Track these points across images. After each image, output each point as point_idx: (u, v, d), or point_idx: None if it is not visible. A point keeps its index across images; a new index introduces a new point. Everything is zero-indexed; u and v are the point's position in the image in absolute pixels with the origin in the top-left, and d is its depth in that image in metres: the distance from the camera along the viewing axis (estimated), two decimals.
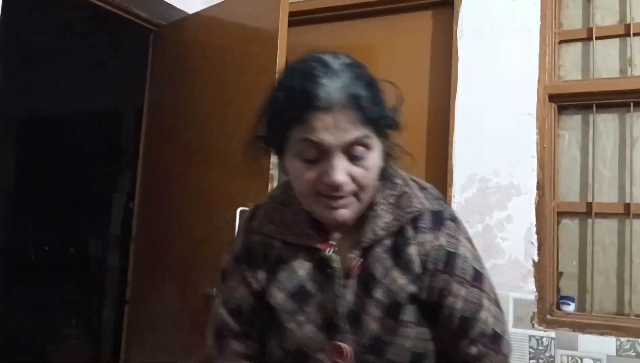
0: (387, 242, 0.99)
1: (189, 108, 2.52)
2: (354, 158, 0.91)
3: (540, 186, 2.18)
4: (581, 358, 2.05)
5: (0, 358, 3.96)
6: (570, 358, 2.06)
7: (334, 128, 0.89)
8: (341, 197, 0.93)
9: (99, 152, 4.34)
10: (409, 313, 0.97)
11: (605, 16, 2.27)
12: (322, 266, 1.00)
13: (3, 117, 4.45)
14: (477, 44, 2.32)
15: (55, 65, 4.36)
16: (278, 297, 1.01)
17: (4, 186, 4.73)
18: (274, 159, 2.04)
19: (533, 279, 2.14)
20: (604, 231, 2.19)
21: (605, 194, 2.20)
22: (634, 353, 1.99)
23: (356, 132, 0.90)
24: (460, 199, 2.27)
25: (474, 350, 0.97)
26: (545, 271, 2.15)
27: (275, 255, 1.03)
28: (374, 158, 0.94)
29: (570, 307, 2.15)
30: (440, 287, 0.97)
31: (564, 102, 2.27)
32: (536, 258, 2.14)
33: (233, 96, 2.30)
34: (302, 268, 1.01)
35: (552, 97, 2.24)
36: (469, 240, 1.03)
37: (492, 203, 2.22)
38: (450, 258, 0.98)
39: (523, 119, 2.22)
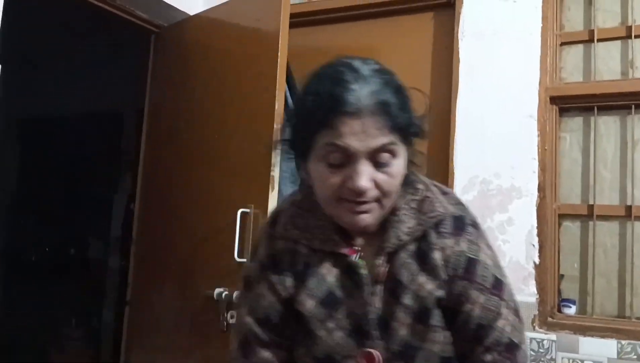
0: (411, 247, 0.99)
1: (190, 109, 2.52)
2: (379, 165, 0.91)
3: (541, 188, 2.17)
4: (582, 361, 2.04)
5: (1, 358, 3.96)
6: (571, 360, 2.06)
7: (361, 134, 0.88)
8: (364, 202, 0.92)
9: (100, 153, 4.35)
10: (437, 318, 0.97)
11: (607, 18, 2.27)
12: (349, 272, 1.00)
13: (4, 118, 4.46)
14: (479, 45, 2.32)
15: (57, 66, 4.37)
16: (308, 304, 1.00)
17: (5, 186, 4.73)
18: (274, 160, 2.05)
19: (534, 281, 2.14)
20: (605, 233, 2.18)
21: (607, 196, 2.20)
22: (635, 356, 1.98)
23: (383, 139, 0.89)
24: None
25: (488, 357, 0.97)
26: (546, 273, 2.14)
27: (302, 261, 1.02)
28: (398, 165, 0.93)
29: (571, 310, 2.15)
30: (459, 293, 0.97)
31: (565, 105, 2.27)
32: (537, 261, 2.14)
33: (234, 98, 2.30)
34: (330, 274, 1.01)
35: (554, 100, 2.24)
36: (490, 246, 1.03)
37: (493, 205, 2.21)
38: (470, 264, 0.98)
39: (524, 121, 2.22)
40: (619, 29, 2.24)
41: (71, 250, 4.49)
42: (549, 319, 2.12)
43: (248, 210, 2.10)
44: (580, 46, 2.30)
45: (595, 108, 2.21)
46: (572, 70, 2.31)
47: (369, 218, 0.95)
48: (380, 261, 0.98)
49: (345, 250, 1.00)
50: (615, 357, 2.01)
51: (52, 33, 4.14)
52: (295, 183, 2.35)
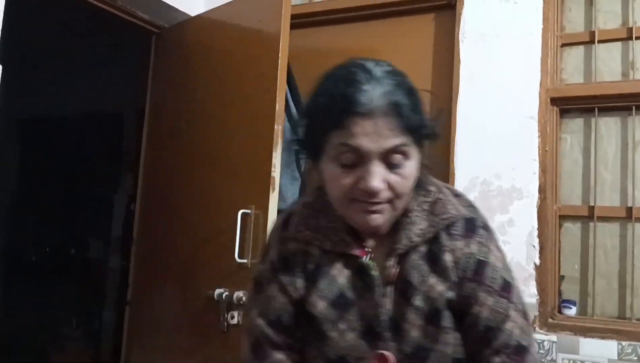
0: (422, 249, 0.99)
1: (191, 110, 2.52)
2: (391, 166, 0.91)
3: (542, 190, 2.17)
4: (583, 362, 2.04)
5: (1, 358, 3.96)
6: (571, 362, 2.06)
7: (373, 134, 0.88)
8: (376, 203, 0.93)
9: (101, 153, 4.35)
10: (448, 319, 0.97)
11: (608, 20, 2.27)
12: (360, 273, 1.00)
13: (5, 118, 4.46)
14: (479, 47, 2.32)
15: (58, 66, 4.37)
16: (319, 305, 1.00)
17: (6, 186, 4.74)
18: (275, 161, 2.06)
19: (534, 282, 2.14)
20: (606, 234, 2.18)
21: (607, 197, 2.20)
22: (636, 357, 1.98)
23: (395, 140, 0.90)
24: None
25: (497, 360, 0.97)
26: (546, 274, 2.14)
27: (314, 263, 1.02)
28: (411, 166, 0.94)
29: (572, 311, 2.15)
30: (468, 294, 0.97)
31: (566, 106, 2.27)
32: (538, 262, 2.14)
33: (235, 98, 2.30)
34: (341, 276, 1.01)
35: (554, 101, 2.24)
36: (500, 249, 1.03)
37: (493, 206, 2.21)
38: (480, 266, 0.98)
39: (525, 123, 2.22)
40: (620, 30, 2.24)
41: (71, 250, 4.50)
42: (550, 320, 2.12)
43: (249, 211, 2.10)
44: (581, 47, 2.30)
45: (596, 109, 2.22)
46: (572, 71, 2.31)
47: (380, 218, 0.95)
48: (392, 262, 0.98)
49: (356, 251, 1.00)
50: (616, 358, 2.00)
51: (53, 33, 4.15)
52: (295, 182, 2.36)
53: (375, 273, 0.98)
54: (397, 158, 0.91)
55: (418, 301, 0.96)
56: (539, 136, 2.20)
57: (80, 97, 4.29)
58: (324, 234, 1.03)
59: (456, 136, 2.29)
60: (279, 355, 1.04)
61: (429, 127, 0.97)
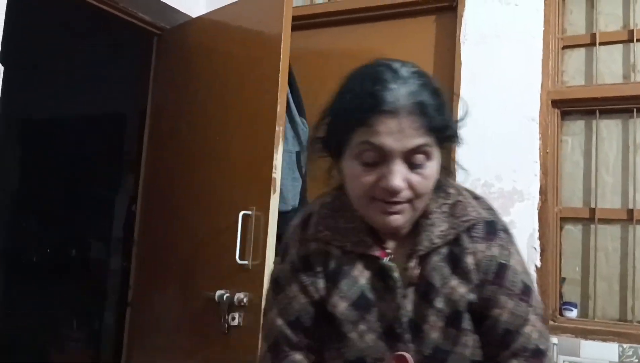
0: (444, 251, 0.99)
1: (192, 111, 2.52)
2: (413, 166, 0.91)
3: (543, 192, 2.17)
4: None
5: (2, 358, 3.96)
6: None
7: (397, 133, 0.88)
8: (396, 203, 0.92)
9: (102, 154, 4.35)
10: (468, 322, 0.97)
11: (609, 22, 2.27)
12: (381, 274, 1.00)
13: (6, 118, 4.47)
14: (480, 49, 2.32)
15: (59, 67, 4.37)
16: (341, 306, 0.99)
17: (6, 187, 4.74)
18: (276, 162, 2.06)
19: (535, 285, 2.12)
20: (607, 237, 2.18)
21: (608, 200, 2.20)
22: (637, 360, 1.98)
23: (419, 139, 0.90)
24: None
25: (514, 362, 0.97)
26: (547, 276, 2.14)
27: (334, 263, 1.02)
28: (432, 167, 0.93)
29: (573, 313, 2.15)
30: (488, 297, 0.97)
31: (567, 108, 2.27)
32: (539, 264, 2.14)
33: (236, 100, 2.30)
34: (362, 277, 1.00)
35: (555, 103, 2.24)
36: (519, 252, 1.03)
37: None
38: (501, 269, 0.98)
39: (526, 125, 2.21)
40: (621, 32, 2.24)
41: (72, 250, 4.50)
42: (551, 322, 2.11)
43: (250, 212, 2.10)
44: (582, 50, 2.31)
45: (597, 111, 2.22)
46: (574, 73, 2.31)
47: (400, 219, 0.95)
48: (413, 264, 0.98)
49: (376, 252, 1.00)
50: (617, 360, 2.00)
51: (55, 34, 4.15)
52: (296, 183, 2.36)
53: (396, 274, 0.98)
54: (420, 158, 0.91)
55: (439, 303, 0.96)
56: (540, 138, 2.20)
57: (81, 98, 4.29)
58: (344, 234, 1.02)
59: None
60: (297, 356, 1.04)
61: (452, 129, 0.97)
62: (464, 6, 2.36)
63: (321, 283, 1.02)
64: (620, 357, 2.00)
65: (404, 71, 0.92)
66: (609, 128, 2.23)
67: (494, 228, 1.01)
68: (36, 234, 4.60)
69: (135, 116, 3.92)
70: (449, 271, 0.97)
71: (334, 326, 1.00)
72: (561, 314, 2.16)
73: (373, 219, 0.97)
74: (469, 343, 0.97)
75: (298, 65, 2.35)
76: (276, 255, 2.06)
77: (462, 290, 0.97)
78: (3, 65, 1.91)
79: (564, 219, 2.25)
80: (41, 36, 4.10)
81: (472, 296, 0.97)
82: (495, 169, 2.23)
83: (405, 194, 0.92)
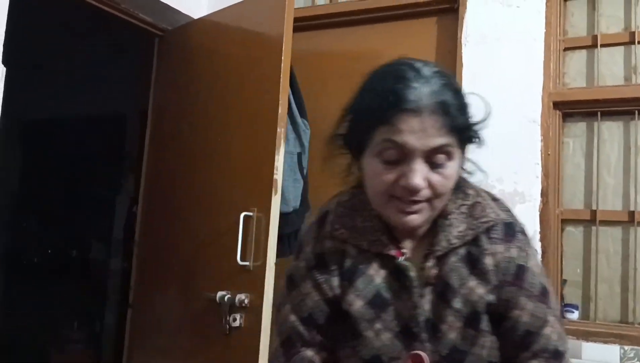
0: (461, 251, 0.99)
1: (193, 112, 2.52)
2: (434, 165, 0.91)
3: (544, 194, 2.17)
4: None
5: (2, 359, 3.97)
6: None
7: (419, 132, 0.89)
8: (415, 202, 0.92)
9: (103, 155, 4.35)
10: (486, 322, 0.97)
11: (610, 24, 2.27)
12: (397, 274, 1.00)
13: (7, 120, 4.47)
14: (482, 50, 2.32)
15: (60, 68, 4.38)
16: (357, 304, 0.99)
17: (7, 187, 4.74)
18: (277, 164, 2.06)
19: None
20: (608, 239, 2.18)
21: (610, 202, 2.20)
22: (638, 362, 1.98)
23: (441, 139, 0.90)
24: None
25: None
26: (548, 278, 2.13)
27: (350, 262, 1.02)
28: (453, 167, 0.93)
29: (574, 315, 2.15)
30: (507, 299, 0.97)
31: (569, 110, 2.27)
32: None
33: (237, 101, 2.30)
34: (378, 276, 1.00)
35: (557, 105, 2.24)
36: (536, 254, 1.03)
37: None
38: (520, 271, 0.98)
39: (527, 126, 2.22)
40: (623, 34, 2.24)
41: (73, 251, 4.50)
42: None
43: (251, 213, 2.10)
44: (584, 51, 2.31)
45: (599, 113, 2.22)
46: (575, 75, 2.31)
47: (418, 218, 0.95)
48: (431, 264, 0.98)
49: (393, 252, 1.00)
50: (618, 362, 2.00)
51: (56, 35, 4.16)
52: (297, 184, 2.36)
53: (412, 274, 0.98)
54: (441, 157, 0.91)
55: (457, 303, 0.96)
56: (541, 140, 2.20)
57: (82, 98, 4.30)
58: (360, 233, 1.02)
59: None
60: (309, 352, 1.04)
61: (474, 130, 0.97)
62: (465, 8, 2.36)
63: (335, 281, 1.02)
64: (621, 358, 2.00)
65: (427, 71, 0.92)
66: (610, 130, 2.23)
67: (512, 230, 1.01)
68: (37, 234, 4.60)
69: (136, 116, 3.93)
70: (467, 272, 0.97)
71: (349, 324, 1.00)
72: (562, 316, 2.16)
73: (391, 217, 0.97)
74: (487, 344, 0.97)
75: (299, 66, 2.35)
76: (277, 255, 2.07)
77: (480, 291, 0.96)
78: (5, 66, 1.92)
79: (565, 221, 2.25)
80: (42, 37, 4.11)
81: (490, 297, 0.97)
82: (496, 170, 2.23)
83: (425, 193, 0.92)
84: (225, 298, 2.11)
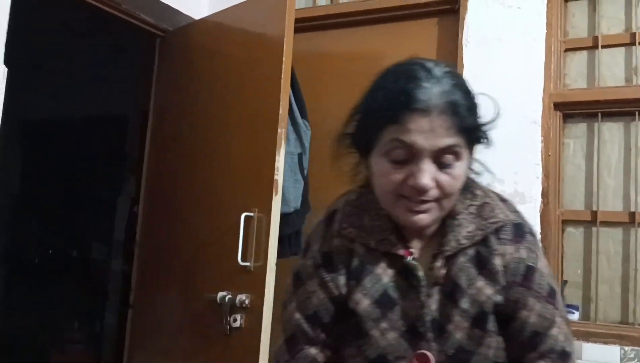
0: (470, 252, 0.99)
1: (194, 113, 2.53)
2: (442, 165, 0.91)
3: (544, 194, 2.18)
4: None
5: (2, 359, 3.97)
6: None
7: (428, 132, 0.89)
8: (424, 201, 0.93)
9: (104, 155, 4.36)
10: (493, 323, 0.97)
11: (611, 25, 2.28)
12: (404, 273, 1.00)
13: (8, 121, 4.47)
14: (483, 51, 2.32)
15: (61, 68, 4.38)
16: (363, 303, 0.99)
17: (8, 188, 4.75)
18: (278, 164, 2.06)
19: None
20: (609, 239, 2.18)
21: (610, 202, 2.20)
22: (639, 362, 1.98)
23: (450, 139, 0.90)
24: None
25: None
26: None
27: (357, 260, 1.02)
28: (461, 167, 0.94)
29: (575, 316, 2.15)
30: (515, 299, 0.97)
31: (569, 111, 2.27)
32: None
33: (238, 101, 2.31)
34: (385, 275, 1.00)
35: (558, 106, 2.24)
36: (544, 255, 1.03)
37: None
38: (529, 271, 0.98)
39: (528, 127, 2.22)
40: (623, 35, 2.25)
41: (74, 252, 4.50)
42: None
43: (252, 214, 2.11)
44: (585, 53, 2.31)
45: (599, 114, 2.22)
46: (576, 76, 2.31)
47: (427, 218, 0.95)
48: (439, 264, 0.98)
49: (400, 251, 1.00)
50: None
51: (57, 36, 4.16)
52: (298, 185, 2.36)
53: (420, 273, 0.98)
54: (449, 158, 0.91)
55: (465, 303, 0.96)
56: (542, 141, 2.20)
57: (83, 99, 4.30)
58: (368, 232, 1.03)
59: None
60: (313, 350, 1.04)
61: (483, 131, 0.98)
62: (466, 9, 2.36)
63: (342, 280, 1.02)
64: (622, 359, 2.00)
65: (437, 71, 0.92)
66: (611, 131, 2.23)
67: (521, 231, 1.01)
68: (37, 235, 4.61)
69: (137, 117, 3.93)
70: (475, 272, 0.97)
71: (355, 323, 1.00)
72: None
73: (400, 217, 0.97)
74: (493, 344, 0.97)
75: (300, 67, 2.35)
76: (278, 256, 2.07)
77: (488, 291, 0.97)
78: (7, 67, 1.92)
79: (566, 222, 2.25)
80: (43, 37, 4.11)
81: (498, 298, 0.97)
82: (497, 171, 2.22)
83: (433, 193, 0.92)
84: (226, 298, 2.11)
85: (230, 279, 2.15)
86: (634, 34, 2.21)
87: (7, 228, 4.77)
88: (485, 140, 1.00)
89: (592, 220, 2.20)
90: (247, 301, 2.08)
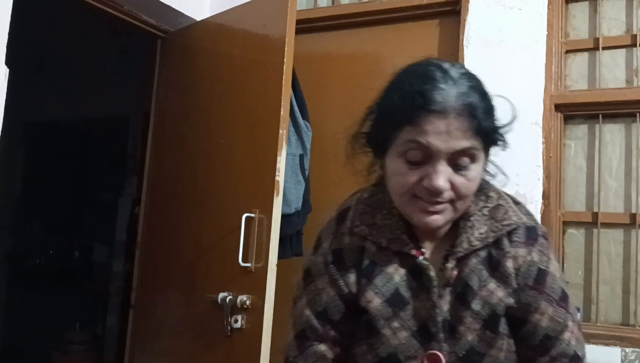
0: (482, 253, 0.99)
1: (196, 114, 2.53)
2: (458, 167, 0.91)
3: (545, 196, 2.18)
4: None
5: (5, 361, 3.97)
6: None
7: (445, 134, 0.88)
8: (438, 202, 0.92)
9: (105, 157, 4.37)
10: (504, 325, 0.97)
11: (612, 27, 2.28)
12: (416, 273, 1.00)
13: (10, 122, 4.48)
14: (484, 53, 2.33)
15: (63, 70, 4.39)
16: (375, 301, 0.99)
17: (10, 190, 4.75)
18: (279, 165, 2.06)
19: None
20: (610, 241, 2.18)
21: (611, 204, 2.20)
22: None
23: (466, 142, 0.90)
24: None
25: None
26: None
27: (369, 259, 1.02)
28: (477, 170, 0.94)
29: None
30: (528, 302, 0.97)
31: (570, 112, 2.27)
32: None
33: (240, 103, 2.31)
34: (397, 274, 1.00)
35: (558, 107, 2.24)
36: (555, 259, 1.03)
37: None
38: (541, 275, 0.98)
39: (529, 129, 2.22)
40: (624, 37, 2.25)
41: (76, 253, 4.51)
42: None
43: (253, 215, 2.11)
44: (585, 54, 2.31)
45: (600, 116, 2.22)
46: (577, 78, 2.31)
47: (440, 219, 0.95)
48: (451, 264, 0.98)
49: (412, 251, 1.00)
50: None
51: (59, 37, 4.17)
52: (299, 186, 2.36)
53: (432, 273, 0.98)
54: (465, 160, 0.91)
55: (477, 305, 0.96)
56: (543, 143, 2.20)
57: (85, 100, 4.31)
58: (380, 230, 1.02)
59: None
60: (322, 347, 1.04)
61: (499, 133, 0.97)
62: (468, 10, 2.37)
63: (352, 278, 1.02)
64: (622, 361, 2.00)
65: (454, 72, 0.92)
66: (612, 132, 2.23)
67: (534, 234, 1.01)
68: (39, 236, 4.61)
69: (139, 118, 3.94)
70: (487, 274, 0.97)
71: (366, 321, 1.00)
72: None
73: (413, 217, 0.97)
74: (504, 347, 0.97)
75: (301, 68, 2.35)
76: (279, 257, 2.07)
77: (500, 294, 0.96)
78: (9, 68, 1.92)
79: (567, 224, 2.25)
80: (44, 39, 4.12)
81: (510, 301, 0.97)
82: (497, 172, 2.23)
83: (448, 195, 0.92)
84: (227, 299, 2.12)
85: (232, 280, 2.16)
86: (635, 35, 2.21)
87: (9, 230, 4.78)
88: (502, 142, 0.99)
89: (593, 221, 2.20)
90: (248, 302, 2.08)
